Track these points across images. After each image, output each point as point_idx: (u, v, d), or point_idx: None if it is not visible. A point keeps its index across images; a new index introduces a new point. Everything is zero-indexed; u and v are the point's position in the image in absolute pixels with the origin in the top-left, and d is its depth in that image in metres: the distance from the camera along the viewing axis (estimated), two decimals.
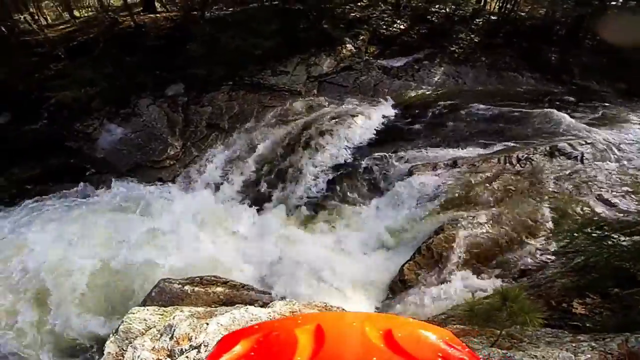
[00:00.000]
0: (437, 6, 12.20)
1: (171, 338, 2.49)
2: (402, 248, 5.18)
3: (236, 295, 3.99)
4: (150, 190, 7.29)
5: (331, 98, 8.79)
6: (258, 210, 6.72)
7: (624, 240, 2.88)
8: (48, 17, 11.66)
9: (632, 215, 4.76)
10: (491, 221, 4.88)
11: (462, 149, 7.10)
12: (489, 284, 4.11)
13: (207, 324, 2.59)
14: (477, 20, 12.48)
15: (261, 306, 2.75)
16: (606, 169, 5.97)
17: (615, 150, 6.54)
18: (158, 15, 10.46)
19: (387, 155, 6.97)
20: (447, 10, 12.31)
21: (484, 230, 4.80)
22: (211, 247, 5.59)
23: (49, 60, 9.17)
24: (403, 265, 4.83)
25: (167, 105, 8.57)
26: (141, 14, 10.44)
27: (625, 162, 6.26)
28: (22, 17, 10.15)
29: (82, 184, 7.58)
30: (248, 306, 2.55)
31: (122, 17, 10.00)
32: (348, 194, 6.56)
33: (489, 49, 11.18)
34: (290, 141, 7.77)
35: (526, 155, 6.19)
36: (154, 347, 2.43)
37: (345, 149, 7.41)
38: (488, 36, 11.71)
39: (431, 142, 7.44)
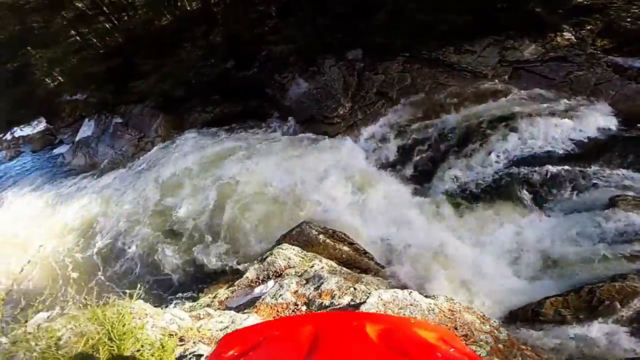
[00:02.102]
0: None
1: (317, 289, 2.89)
2: (551, 281, 4.43)
3: (357, 259, 4.39)
4: (318, 140, 8.37)
5: (527, 89, 7.54)
6: (401, 185, 6.79)
7: None
8: None
9: None
10: None
11: None
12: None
13: (354, 288, 2.86)
14: None
15: (423, 295, 2.68)
16: None
17: None
18: None
19: (586, 171, 5.70)
20: None
21: None
22: (352, 203, 6.17)
23: (265, 17, 11.06)
24: (547, 297, 4.18)
25: (345, 68, 9.25)
26: None
27: None
28: None
29: (270, 123, 9.53)
30: (412, 291, 2.61)
31: None
32: (519, 199, 5.79)
33: None
34: (462, 124, 7.28)
35: None
36: (296, 291, 2.88)
37: (532, 148, 6.41)
38: None
39: None
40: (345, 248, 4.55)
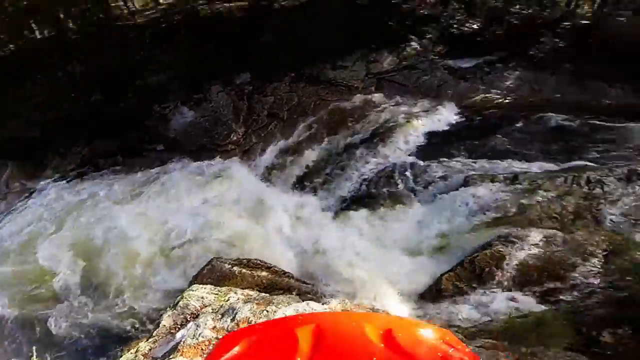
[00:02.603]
0: (517, 7, 11.34)
1: (232, 320, 2.82)
2: (444, 257, 5.20)
3: (278, 281, 4.37)
4: (211, 170, 8.01)
5: (390, 96, 8.79)
6: (305, 201, 7.07)
7: None
8: (136, 4, 12.91)
9: None
10: (544, 244, 4.69)
11: (526, 162, 6.80)
12: (529, 305, 4.02)
13: (267, 311, 2.88)
14: (564, 24, 11.40)
15: (317, 302, 2.93)
16: None
17: None
18: (232, 4, 11.07)
19: (443, 160, 6.89)
20: (530, 11, 11.39)
21: (534, 252, 4.64)
22: (257, 229, 6.09)
23: (138, 45, 10.26)
24: (442, 274, 4.86)
25: (234, 93, 9.24)
26: (217, 2, 11.12)
27: None
28: (116, 3, 11.38)
29: (155, 158, 8.65)
30: (309, 302, 2.74)
31: (201, 5, 10.74)
32: (397, 195, 6.64)
33: (575, 55, 10.20)
34: (343, 137, 7.99)
35: (598, 177, 5.72)
36: (214, 327, 2.78)
37: (400, 149, 7.47)
38: (575, 42, 10.66)
39: (493, 151, 7.22)
40: (264, 273, 4.48)
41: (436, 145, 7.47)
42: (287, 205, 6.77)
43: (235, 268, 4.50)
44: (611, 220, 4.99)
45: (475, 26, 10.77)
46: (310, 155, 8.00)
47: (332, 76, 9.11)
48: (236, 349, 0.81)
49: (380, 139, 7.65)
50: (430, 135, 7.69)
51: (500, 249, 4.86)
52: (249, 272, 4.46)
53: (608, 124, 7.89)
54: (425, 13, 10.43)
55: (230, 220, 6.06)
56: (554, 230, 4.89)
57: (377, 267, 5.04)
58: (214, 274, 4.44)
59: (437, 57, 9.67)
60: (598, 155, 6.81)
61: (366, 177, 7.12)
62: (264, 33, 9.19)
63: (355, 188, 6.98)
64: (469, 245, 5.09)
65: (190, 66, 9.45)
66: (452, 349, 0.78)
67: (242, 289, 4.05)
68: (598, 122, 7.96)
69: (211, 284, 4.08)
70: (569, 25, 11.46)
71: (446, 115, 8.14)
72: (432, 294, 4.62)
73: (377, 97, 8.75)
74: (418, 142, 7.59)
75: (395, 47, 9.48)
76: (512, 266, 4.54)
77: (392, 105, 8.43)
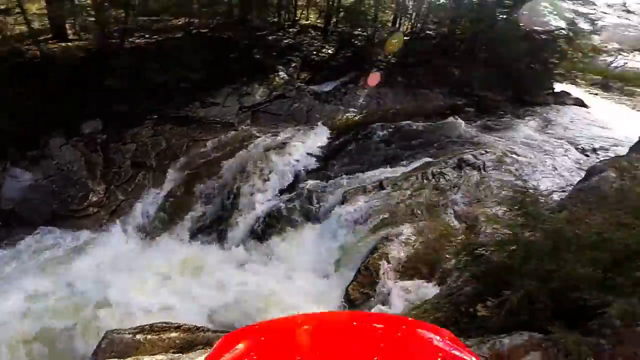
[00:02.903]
0: (358, 30, 13.75)
1: None
2: (346, 269, 6.04)
3: (193, 338, 4.39)
4: (71, 242, 7.13)
5: (266, 127, 9.53)
6: (197, 250, 7.09)
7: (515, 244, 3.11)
8: None
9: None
10: (416, 236, 6.00)
11: (389, 167, 8.33)
12: (419, 293, 5.12)
13: None
14: (394, 41, 14.35)
15: None
16: (501, 177, 7.52)
17: (511, 155, 8.35)
18: (70, 44, 10.17)
19: (322, 182, 7.89)
20: (368, 33, 13.92)
21: (411, 245, 5.89)
22: (154, 293, 5.87)
23: None
24: (347, 286, 5.68)
25: (83, 145, 8.37)
26: (50, 42, 10.03)
27: (517, 167, 7.94)
28: None
29: None
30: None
31: (27, 46, 9.50)
32: (288, 224, 7.21)
33: (405, 68, 12.93)
34: (225, 174, 8.27)
35: (439, 170, 7.55)
36: None
37: (282, 178, 8.20)
38: (403, 56, 13.55)
39: (362, 164, 8.60)
40: (174, 334, 4.42)
41: (315, 168, 8.51)
42: (179, 259, 6.67)
43: (138, 336, 4.29)
44: (457, 202, 6.73)
45: (330, 51, 12.76)
46: (191, 202, 7.93)
47: (203, 114, 9.33)
48: (237, 348, 0.85)
49: (261, 171, 8.20)
50: (308, 159, 8.66)
51: (385, 250, 5.96)
52: (157, 337, 4.33)
53: (435, 123, 10.34)
54: (289, 43, 11.76)
55: (120, 288, 5.67)
56: (421, 222, 6.31)
57: (290, 296, 5.54)
58: (115, 347, 4.16)
59: (303, 84, 10.96)
60: (434, 151, 8.88)
61: (256, 211, 7.53)
62: (114, 75, 8.73)
63: (249, 224, 7.33)
64: (362, 253, 6.08)
65: (17, 119, 8.22)
66: (452, 349, 0.83)
67: (152, 355, 3.95)
68: (429, 124, 10.32)
69: (115, 357, 3.88)
70: (396, 41, 14.49)
71: (319, 139, 9.33)
72: (346, 306, 5.38)
73: (254, 129, 9.36)
74: (299, 167, 8.46)
75: (265, 78, 10.32)
76: (398, 261, 5.68)
77: (270, 136, 9.14)
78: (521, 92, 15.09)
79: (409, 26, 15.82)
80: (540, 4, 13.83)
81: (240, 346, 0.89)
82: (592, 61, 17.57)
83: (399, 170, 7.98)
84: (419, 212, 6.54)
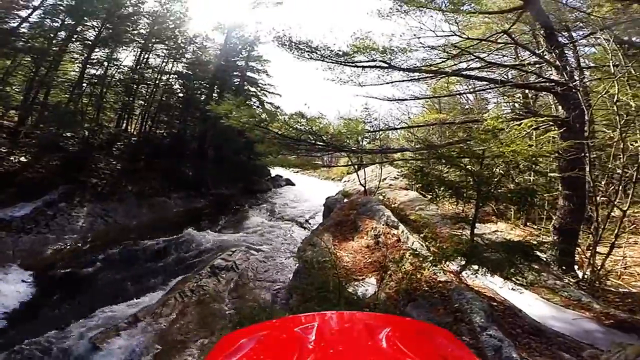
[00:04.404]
0: (69, 133, 12.04)
1: None
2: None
3: None
4: None
5: None
6: None
7: None
8: None
9: None
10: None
11: (141, 297, 7.19)
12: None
13: None
14: (118, 144, 13.50)
15: None
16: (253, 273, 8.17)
17: (251, 245, 9.45)
18: None
19: (52, 335, 5.96)
20: (84, 135, 12.36)
21: None
22: None
23: None
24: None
25: None
26: None
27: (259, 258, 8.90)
28: None
29: None
30: None
31: None
32: None
33: (134, 174, 12.29)
34: None
35: (196, 284, 7.22)
36: None
37: None
38: (131, 160, 12.93)
39: (103, 301, 6.90)
40: None
41: (37, 321, 6.33)
42: None
43: None
44: (221, 311, 6.75)
45: (23, 158, 10.02)
46: None
47: None
48: (237, 348, 0.83)
49: None
50: (15, 311, 6.48)
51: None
52: None
53: (177, 236, 10.22)
54: None
55: None
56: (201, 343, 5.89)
57: None
58: None
59: None
60: (184, 264, 8.81)
61: None
62: None
63: None
64: None
65: None
66: (452, 349, 0.83)
67: None
68: (171, 238, 9.96)
69: None
70: (122, 145, 13.72)
71: (18, 283, 7.17)
72: None
73: None
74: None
75: None
76: None
77: None
78: (248, 182, 17.45)
79: (137, 127, 15.41)
80: None
81: (240, 346, 0.87)
82: None
83: (155, 297, 7.06)
84: (194, 333, 5.86)
